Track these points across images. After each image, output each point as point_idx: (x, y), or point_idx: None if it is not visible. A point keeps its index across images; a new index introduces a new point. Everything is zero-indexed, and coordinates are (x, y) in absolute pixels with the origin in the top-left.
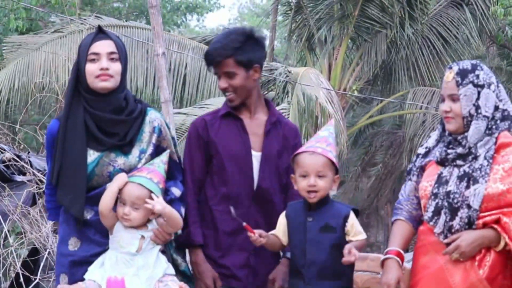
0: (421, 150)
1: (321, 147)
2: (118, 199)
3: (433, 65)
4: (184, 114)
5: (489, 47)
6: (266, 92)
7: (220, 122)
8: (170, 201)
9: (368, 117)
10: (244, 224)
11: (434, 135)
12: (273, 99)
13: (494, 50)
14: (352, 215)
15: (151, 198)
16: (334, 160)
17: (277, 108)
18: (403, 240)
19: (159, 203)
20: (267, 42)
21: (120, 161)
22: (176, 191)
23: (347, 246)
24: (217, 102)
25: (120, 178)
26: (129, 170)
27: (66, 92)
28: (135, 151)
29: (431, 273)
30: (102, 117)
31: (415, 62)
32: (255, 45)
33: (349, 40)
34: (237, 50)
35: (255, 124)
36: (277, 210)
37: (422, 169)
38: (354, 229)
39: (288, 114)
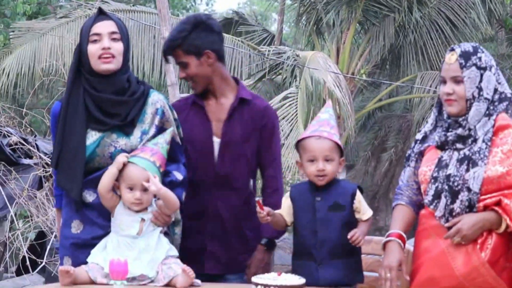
0: (419, 136)
1: (326, 130)
2: (123, 185)
3: (441, 49)
4: None
5: (498, 32)
6: (274, 76)
7: (190, 108)
8: (171, 184)
9: (376, 101)
10: (257, 199)
11: (430, 119)
12: (281, 83)
13: (502, 35)
14: (358, 192)
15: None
16: (340, 143)
17: (285, 92)
18: (404, 223)
19: (154, 184)
20: (275, 26)
21: (122, 142)
22: (178, 175)
23: (351, 232)
24: None
25: (119, 160)
26: (130, 151)
27: (68, 74)
28: (137, 132)
29: (432, 257)
30: (103, 98)
31: (423, 46)
32: (204, 31)
33: (357, 24)
34: (184, 40)
35: (220, 109)
36: (241, 196)
37: (421, 154)
38: (362, 205)
39: (297, 98)
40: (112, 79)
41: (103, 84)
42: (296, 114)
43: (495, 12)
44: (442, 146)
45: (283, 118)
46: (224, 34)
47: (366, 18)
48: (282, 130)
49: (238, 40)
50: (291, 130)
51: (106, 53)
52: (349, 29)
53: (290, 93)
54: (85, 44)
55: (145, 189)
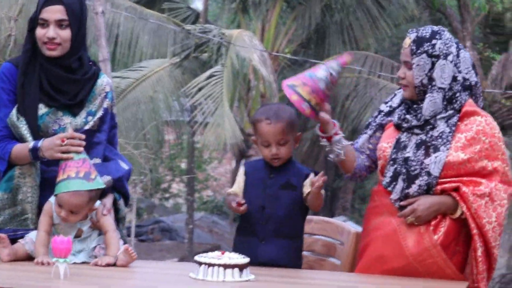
0: (384, 108)
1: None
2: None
3: (367, 29)
4: (119, 77)
5: (423, 12)
6: (200, 54)
7: None
8: (119, 181)
9: None
10: (237, 200)
11: (400, 94)
12: (207, 61)
13: (425, 16)
14: (311, 175)
15: (91, 200)
16: (294, 123)
17: (211, 70)
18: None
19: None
20: (198, 3)
21: (67, 120)
22: (124, 166)
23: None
24: (151, 64)
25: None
26: (75, 131)
27: (25, 40)
28: (83, 113)
29: (383, 234)
30: (55, 74)
31: (349, 26)
32: None
33: (283, 3)
34: None
35: None
36: None
37: (382, 127)
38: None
39: (222, 77)
40: (59, 60)
41: (51, 62)
42: (222, 93)
43: None
44: (399, 128)
45: (209, 97)
46: (149, 11)
47: None
48: (208, 109)
49: (164, 17)
50: (216, 109)
51: (51, 42)
52: (274, 8)
53: (215, 71)
54: (36, 23)
55: (72, 212)
